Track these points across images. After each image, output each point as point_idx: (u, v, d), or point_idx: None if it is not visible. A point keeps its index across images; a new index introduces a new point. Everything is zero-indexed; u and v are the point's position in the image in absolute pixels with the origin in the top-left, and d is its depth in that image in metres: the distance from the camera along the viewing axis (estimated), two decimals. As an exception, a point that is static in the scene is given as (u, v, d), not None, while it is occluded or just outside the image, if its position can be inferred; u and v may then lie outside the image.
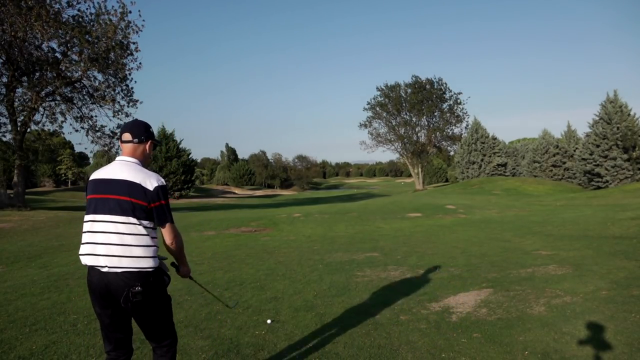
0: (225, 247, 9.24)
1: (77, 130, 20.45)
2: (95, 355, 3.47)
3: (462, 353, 3.43)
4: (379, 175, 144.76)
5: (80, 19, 18.15)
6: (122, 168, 2.31)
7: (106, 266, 2.19)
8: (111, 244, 2.20)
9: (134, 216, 2.21)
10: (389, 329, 3.99)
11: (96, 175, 2.35)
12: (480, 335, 3.77)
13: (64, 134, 21.81)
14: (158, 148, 41.68)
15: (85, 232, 2.28)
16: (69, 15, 18.06)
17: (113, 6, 20.54)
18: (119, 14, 18.34)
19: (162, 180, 2.35)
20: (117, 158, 2.42)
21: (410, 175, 70.54)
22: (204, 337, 3.86)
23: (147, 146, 2.45)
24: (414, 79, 47.42)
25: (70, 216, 16.02)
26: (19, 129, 18.97)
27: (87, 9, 18.70)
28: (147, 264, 2.24)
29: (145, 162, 2.45)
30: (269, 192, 79.14)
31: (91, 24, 18.38)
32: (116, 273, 2.19)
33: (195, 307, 4.74)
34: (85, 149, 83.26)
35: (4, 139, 19.55)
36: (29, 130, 20.36)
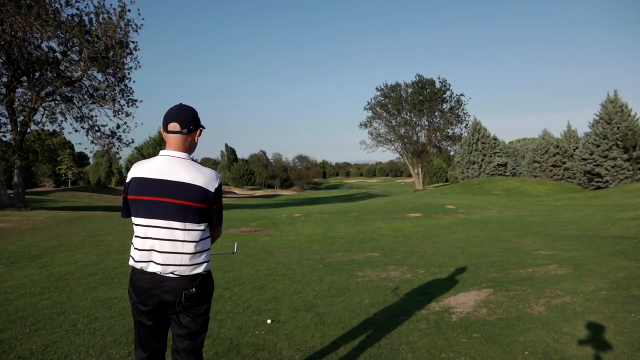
0: (225, 247, 9.23)
1: (77, 131, 20.48)
2: (95, 355, 3.47)
3: (462, 353, 3.43)
4: (379, 175, 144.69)
5: (79, 18, 18.16)
6: (176, 166, 2.08)
7: (162, 273, 2.07)
8: (168, 251, 2.06)
9: (193, 221, 2.08)
10: (389, 329, 3.99)
11: (142, 172, 2.10)
12: (480, 335, 3.77)
13: (63, 133, 21.81)
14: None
15: (138, 236, 2.11)
16: (68, 15, 18.08)
17: (111, 4, 20.45)
18: (118, 13, 18.35)
19: (219, 175, 2.19)
20: (164, 152, 2.14)
21: (410, 175, 70.51)
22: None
23: (196, 136, 2.19)
24: (417, 77, 47.41)
25: (71, 216, 16.02)
26: (19, 129, 18.97)
27: (85, 7, 18.71)
28: (203, 268, 2.14)
29: (192, 153, 2.21)
30: (269, 192, 79.16)
31: (91, 23, 18.39)
32: (173, 278, 2.08)
33: (195, 307, 4.74)
34: (85, 149, 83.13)
35: (4, 139, 19.55)
36: (29, 130, 20.36)
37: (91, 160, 76.03)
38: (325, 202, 32.07)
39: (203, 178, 2.09)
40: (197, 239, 2.11)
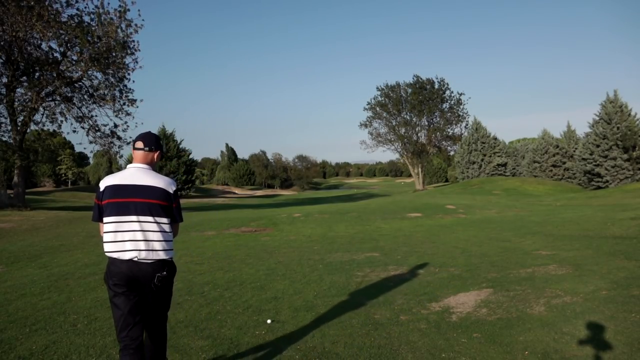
0: (225, 247, 9.23)
1: (75, 131, 20.48)
2: (95, 355, 3.48)
3: (462, 353, 3.43)
4: (379, 175, 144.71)
5: (80, 19, 18.14)
6: (142, 175, 2.66)
7: (141, 258, 2.56)
8: (142, 240, 2.57)
9: (159, 215, 2.62)
10: (389, 329, 3.99)
11: (114, 181, 2.63)
12: (480, 335, 3.77)
13: (63, 133, 21.77)
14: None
15: (112, 231, 2.57)
16: (68, 15, 18.06)
17: (109, 3, 20.38)
18: (119, 13, 18.33)
19: (175, 182, 2.79)
20: (130, 165, 2.72)
21: (410, 175, 70.49)
22: (204, 337, 3.86)
23: (156, 155, 2.78)
24: (415, 78, 47.37)
25: (71, 216, 16.02)
26: (19, 129, 18.95)
27: (85, 7, 18.65)
28: (169, 254, 2.66)
29: (154, 167, 2.77)
30: (269, 192, 79.10)
31: (92, 23, 18.39)
32: (147, 263, 2.58)
33: (195, 307, 4.74)
34: (85, 148, 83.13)
35: (3, 139, 19.53)
36: (28, 130, 20.34)
37: (91, 160, 76.03)
38: (325, 202, 32.07)
39: (163, 182, 2.68)
40: (162, 230, 2.64)
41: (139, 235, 2.56)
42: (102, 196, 2.62)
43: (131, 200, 2.57)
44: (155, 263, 2.59)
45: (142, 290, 2.61)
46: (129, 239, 2.56)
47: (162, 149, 2.84)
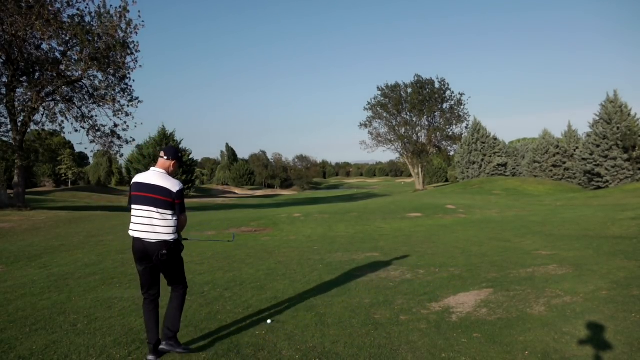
0: (225, 247, 9.23)
1: (76, 130, 20.45)
2: (95, 355, 3.48)
3: (462, 353, 3.43)
4: (379, 175, 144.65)
5: (80, 18, 18.13)
6: (157, 177, 3.49)
7: (146, 239, 3.39)
8: (148, 224, 3.39)
9: (162, 208, 3.40)
10: (389, 329, 3.99)
11: (139, 179, 3.51)
12: (480, 335, 3.77)
13: (64, 132, 21.72)
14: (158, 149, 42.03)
15: (133, 216, 3.44)
16: (69, 15, 18.05)
17: (112, 5, 20.39)
18: (119, 13, 18.33)
19: (181, 184, 3.57)
20: (152, 168, 3.58)
21: (410, 175, 70.46)
22: (204, 337, 3.86)
23: (172, 164, 3.62)
24: (416, 77, 47.33)
25: (71, 216, 16.02)
26: (19, 129, 18.95)
27: (85, 7, 18.61)
28: (169, 237, 3.43)
29: (171, 173, 3.59)
30: (269, 192, 79.11)
31: (92, 22, 18.36)
32: (151, 242, 3.39)
33: (195, 307, 4.74)
34: (85, 148, 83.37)
35: (4, 139, 19.51)
36: (29, 130, 20.32)
37: (91, 160, 75.92)
38: (326, 202, 32.07)
39: (170, 184, 3.47)
40: (164, 219, 3.42)
41: (147, 221, 3.40)
42: (131, 189, 3.51)
43: (145, 195, 3.42)
44: (158, 243, 3.39)
45: (152, 261, 3.42)
46: (140, 222, 3.41)
47: (178, 158, 3.66)
